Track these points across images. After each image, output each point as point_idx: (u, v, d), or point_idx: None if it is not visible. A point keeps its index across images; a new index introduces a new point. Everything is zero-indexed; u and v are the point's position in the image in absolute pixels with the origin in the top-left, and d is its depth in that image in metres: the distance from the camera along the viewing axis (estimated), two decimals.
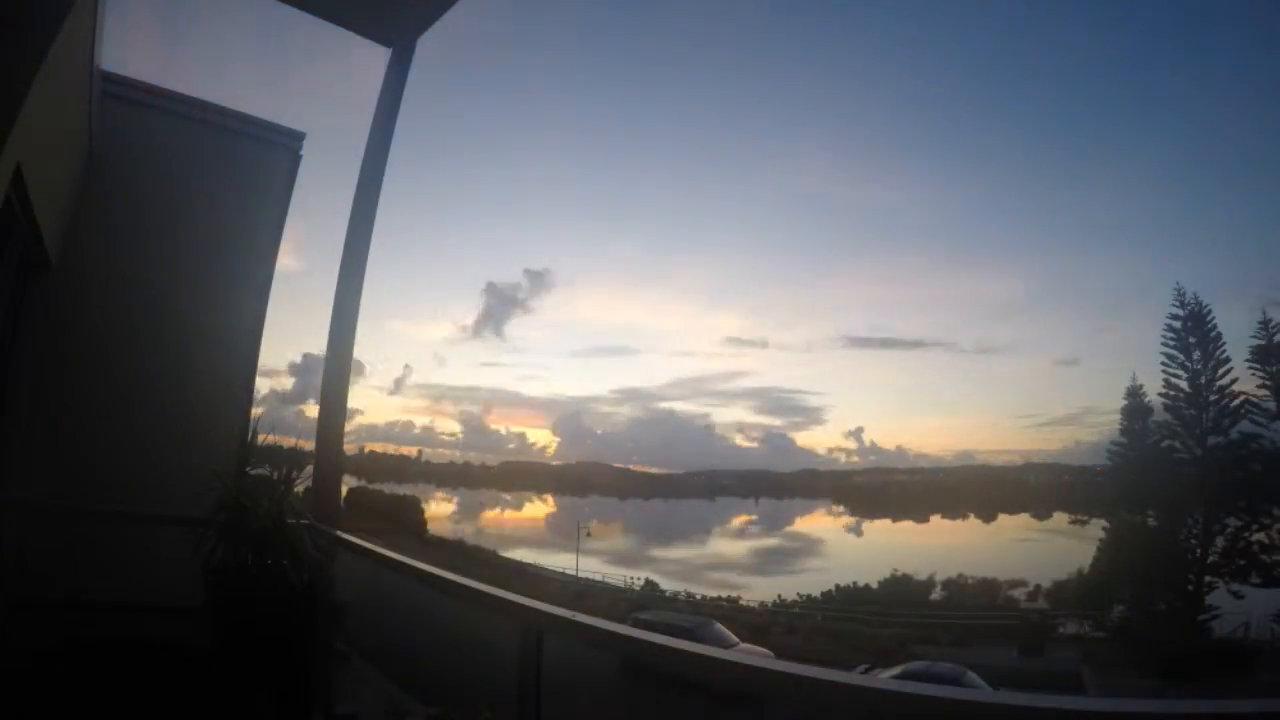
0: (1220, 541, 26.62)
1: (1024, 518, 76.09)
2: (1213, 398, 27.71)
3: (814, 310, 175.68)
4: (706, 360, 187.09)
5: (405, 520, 51.33)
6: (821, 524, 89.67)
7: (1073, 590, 31.76)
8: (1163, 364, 28.71)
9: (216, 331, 5.45)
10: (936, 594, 37.71)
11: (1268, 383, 26.97)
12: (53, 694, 2.52)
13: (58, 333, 4.62)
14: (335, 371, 4.34)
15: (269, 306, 5.75)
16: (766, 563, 56.74)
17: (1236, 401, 27.37)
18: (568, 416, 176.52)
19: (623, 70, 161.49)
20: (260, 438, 3.57)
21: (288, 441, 3.94)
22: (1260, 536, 26.11)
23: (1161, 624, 25.00)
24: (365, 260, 4.45)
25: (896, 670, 17.98)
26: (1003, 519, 78.81)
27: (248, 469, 3.53)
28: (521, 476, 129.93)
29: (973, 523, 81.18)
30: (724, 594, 38.45)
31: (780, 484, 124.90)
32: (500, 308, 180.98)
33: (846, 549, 63.73)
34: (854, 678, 2.02)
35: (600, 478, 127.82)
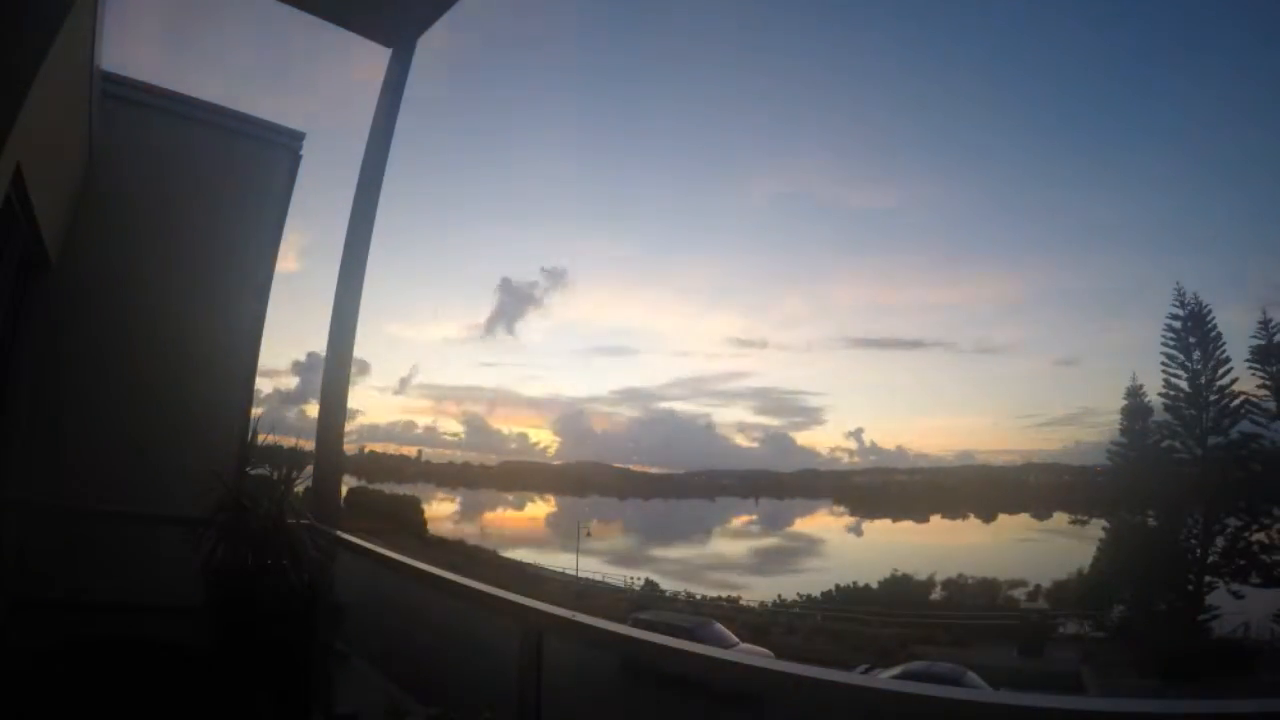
0: (1220, 541, 26.63)
1: (1024, 518, 76.12)
2: (1213, 398, 27.73)
3: (814, 310, 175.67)
4: (707, 360, 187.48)
5: (405, 520, 51.32)
6: (821, 524, 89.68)
7: (1073, 590, 31.77)
8: (1163, 364, 28.77)
9: (216, 331, 5.45)
10: (936, 594, 37.71)
11: (1268, 383, 26.98)
12: (53, 694, 2.52)
13: (58, 333, 4.62)
14: (335, 371, 4.34)
15: (272, 306, 5.75)
16: (766, 563, 56.75)
17: (1236, 401, 27.39)
18: (568, 416, 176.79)
19: (623, 70, 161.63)
20: (260, 438, 3.57)
21: (288, 441, 3.94)
22: (1260, 536, 26.12)
23: (1161, 624, 25.01)
24: (365, 260, 4.45)
25: (896, 670, 17.98)
26: (1003, 519, 78.84)
27: (248, 469, 3.54)
28: (522, 476, 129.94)
29: (973, 523, 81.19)
30: (724, 594, 38.46)
31: (780, 484, 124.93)
32: (514, 305, 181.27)
33: (846, 549, 63.75)
34: (854, 678, 2.02)
35: (600, 478, 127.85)
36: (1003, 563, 42.58)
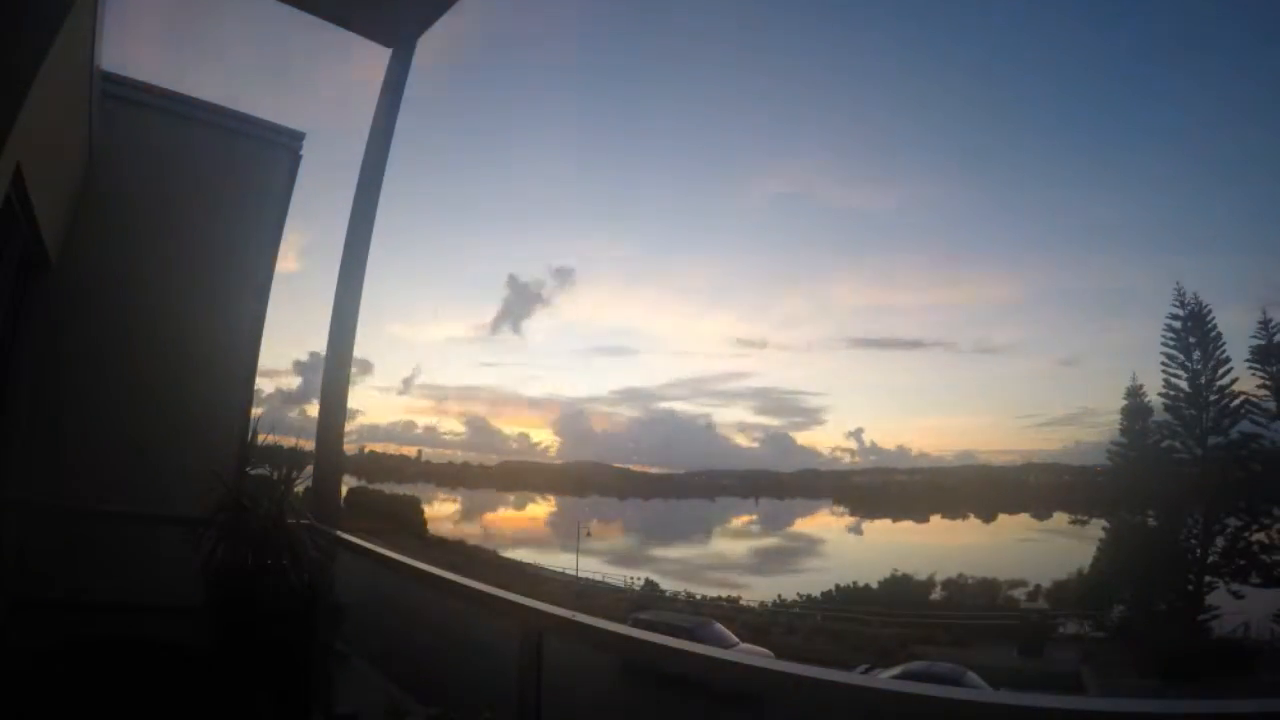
0: (1220, 541, 26.64)
1: (1024, 518, 76.12)
2: (1213, 398, 27.74)
3: (814, 310, 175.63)
4: (707, 360, 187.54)
5: (405, 520, 51.34)
6: (821, 524, 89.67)
7: (1073, 590, 31.77)
8: (1163, 364, 28.79)
9: (216, 331, 5.45)
10: (936, 594, 37.71)
11: (1268, 383, 26.98)
12: (53, 694, 2.52)
13: (58, 333, 4.62)
14: (335, 371, 4.34)
15: (273, 306, 5.76)
16: (766, 563, 56.76)
17: (1236, 401, 27.40)
18: (568, 416, 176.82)
19: (623, 70, 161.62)
20: (260, 438, 3.57)
21: (288, 441, 3.94)
22: (1260, 536, 26.13)
23: (1161, 624, 25.01)
24: (365, 260, 4.45)
25: (896, 670, 17.99)
26: (1003, 519, 78.83)
27: (248, 469, 3.54)
28: (522, 476, 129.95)
29: (973, 523, 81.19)
30: (724, 594, 38.45)
31: (780, 484, 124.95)
32: (519, 304, 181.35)
33: (846, 549, 63.76)
34: (854, 678, 2.02)
35: (600, 478, 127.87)
36: (1003, 563, 42.59)
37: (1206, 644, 23.78)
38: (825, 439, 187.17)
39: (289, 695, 2.77)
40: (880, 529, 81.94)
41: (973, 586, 38.11)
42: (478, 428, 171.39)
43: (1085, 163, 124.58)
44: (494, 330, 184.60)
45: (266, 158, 5.95)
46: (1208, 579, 26.49)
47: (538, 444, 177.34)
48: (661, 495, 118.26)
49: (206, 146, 5.59)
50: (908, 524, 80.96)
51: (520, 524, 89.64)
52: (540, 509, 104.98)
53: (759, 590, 39.56)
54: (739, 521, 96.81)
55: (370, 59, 4.59)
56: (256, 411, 5.40)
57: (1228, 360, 27.99)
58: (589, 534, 50.85)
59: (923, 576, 38.27)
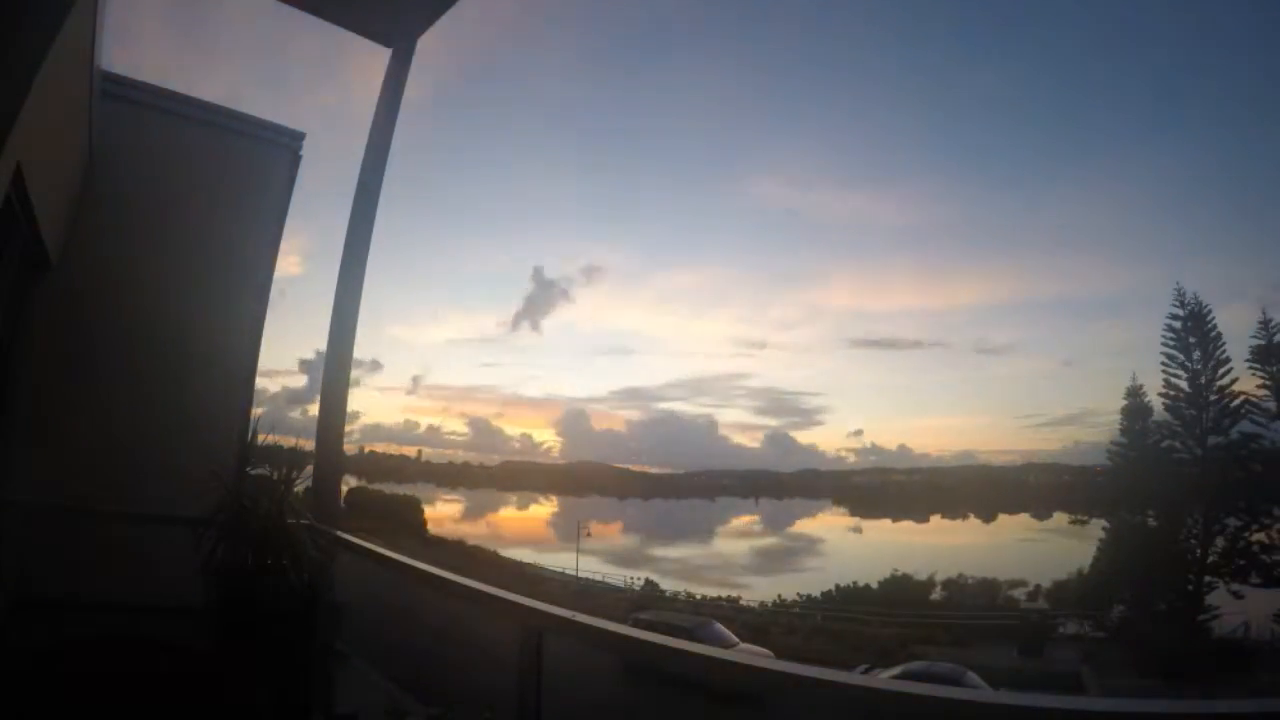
0: (1220, 541, 26.61)
1: (1024, 518, 76.05)
2: (1213, 398, 27.72)
3: (814, 311, 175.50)
4: (706, 361, 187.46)
5: (405, 520, 51.31)
6: (821, 524, 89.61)
7: (1073, 590, 31.72)
8: (1163, 364, 28.75)
9: (216, 331, 5.45)
10: (936, 594, 37.67)
11: (1268, 383, 26.98)
12: (53, 694, 2.52)
13: (58, 333, 4.62)
14: (335, 372, 4.34)
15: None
16: (766, 562, 56.73)
17: (1236, 401, 27.38)
18: (568, 417, 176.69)
19: (624, 70, 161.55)
20: (260, 438, 3.57)
21: (288, 441, 3.94)
22: (1260, 536, 26.10)
23: (1161, 624, 24.99)
24: (365, 260, 4.45)
25: (896, 670, 17.99)
26: (1003, 519, 78.77)
27: (248, 469, 3.54)
28: (522, 476, 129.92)
29: (973, 523, 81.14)
30: (724, 594, 38.45)
31: (780, 484, 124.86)
32: (543, 300, 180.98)
33: (846, 549, 63.69)
34: (854, 678, 2.02)
35: (600, 478, 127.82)
36: (1003, 563, 42.56)
37: (1206, 644, 23.78)
38: (825, 439, 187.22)
39: (289, 695, 2.77)
40: (880, 529, 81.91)
41: (973, 586, 38.09)
42: (480, 428, 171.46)
43: (1085, 162, 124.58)
44: (514, 327, 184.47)
45: (266, 158, 5.95)
46: (1208, 579, 26.47)
47: (540, 444, 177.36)
48: (661, 495, 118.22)
49: (206, 146, 5.60)
50: (907, 524, 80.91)
51: (520, 524, 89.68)
52: (540, 509, 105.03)
53: (759, 590, 39.57)
54: (739, 521, 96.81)
55: (370, 59, 4.59)
56: (257, 411, 5.41)
57: (1228, 360, 27.99)
58: (589, 534, 50.81)
59: (922, 576, 38.24)
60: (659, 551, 59.24)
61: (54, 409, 4.58)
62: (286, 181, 5.97)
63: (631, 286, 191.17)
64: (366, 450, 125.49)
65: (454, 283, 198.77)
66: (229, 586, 2.89)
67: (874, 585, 36.44)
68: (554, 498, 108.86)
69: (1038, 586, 36.24)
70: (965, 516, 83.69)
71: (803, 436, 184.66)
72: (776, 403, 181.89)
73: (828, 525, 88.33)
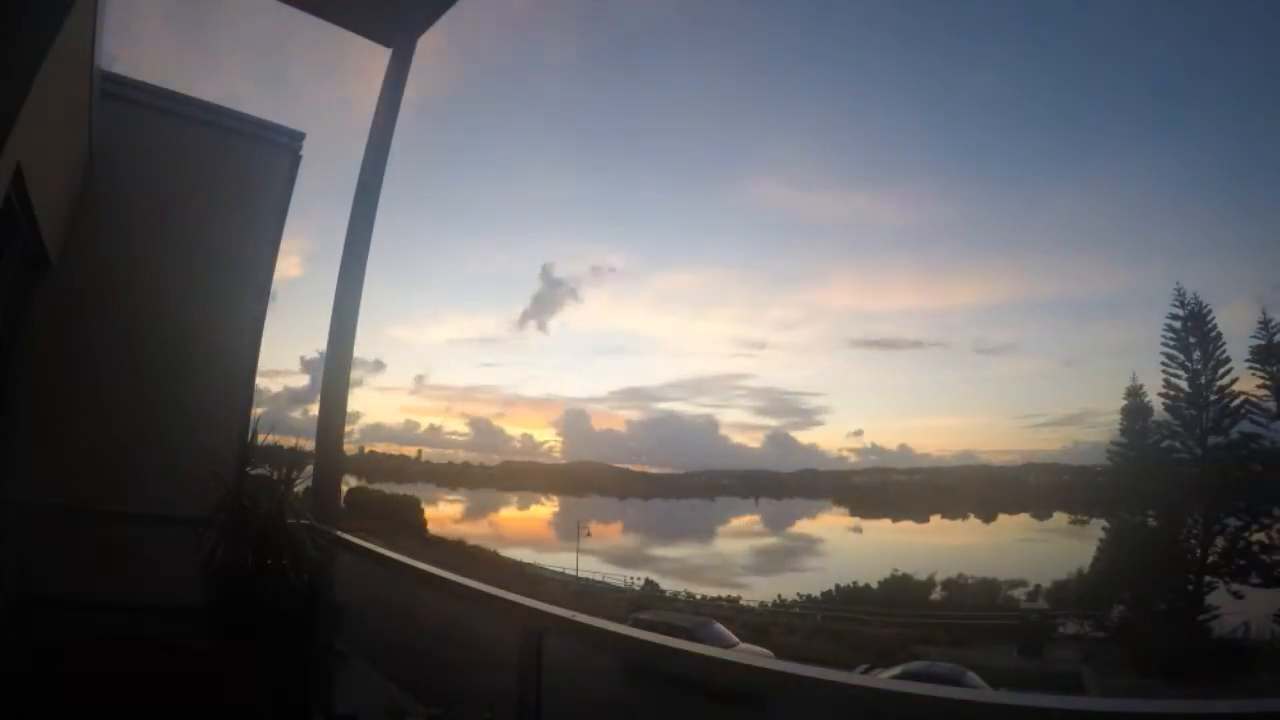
0: (1220, 541, 26.61)
1: (1024, 518, 76.06)
2: (1213, 398, 27.72)
3: (814, 311, 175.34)
4: (707, 361, 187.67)
5: (406, 520, 51.31)
6: (821, 524, 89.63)
7: (1073, 590, 31.73)
8: (1163, 364, 28.76)
9: (216, 331, 5.45)
10: (936, 594, 37.67)
11: (1268, 383, 26.98)
12: (53, 694, 2.52)
13: (58, 333, 4.63)
14: (335, 372, 4.34)
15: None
16: (766, 562, 56.73)
17: (1236, 401, 27.38)
18: (568, 417, 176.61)
19: (624, 70, 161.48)
20: (260, 438, 3.57)
21: (288, 441, 3.94)
22: (1260, 536, 26.10)
23: (1161, 624, 25.00)
24: (365, 260, 4.45)
25: (896, 670, 17.99)
26: (1003, 519, 78.76)
27: (248, 469, 3.54)
28: (522, 476, 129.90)
29: (973, 523, 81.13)
30: (724, 594, 38.46)
31: (780, 484, 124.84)
32: (547, 302, 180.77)
33: (846, 549, 63.68)
34: (854, 678, 2.02)
35: (600, 478, 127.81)
36: (1003, 563, 42.55)
37: (1206, 644, 23.78)
38: (826, 439, 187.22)
39: (289, 695, 2.77)
40: (880, 529, 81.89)
41: (973, 586, 38.09)
42: (481, 428, 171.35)
43: (1085, 162, 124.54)
44: (521, 325, 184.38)
45: (266, 157, 5.95)
46: (1208, 579, 26.48)
47: (541, 444, 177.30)
48: (661, 495, 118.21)
49: (206, 146, 5.60)
50: (907, 524, 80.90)
51: (520, 524, 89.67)
52: (541, 509, 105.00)
53: (759, 590, 39.57)
54: (739, 521, 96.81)
55: (370, 59, 4.59)
56: (257, 411, 5.41)
57: (1228, 360, 27.99)
58: (589, 534, 50.82)
59: (923, 576, 38.25)
60: (659, 551, 59.25)
61: (54, 409, 4.58)
62: (286, 181, 5.97)
63: (632, 286, 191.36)
64: (366, 450, 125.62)
65: (454, 283, 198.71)
66: (229, 586, 2.89)
67: (874, 585, 36.44)
68: (554, 498, 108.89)
69: (1038, 586, 36.25)
70: (965, 516, 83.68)
71: (803, 436, 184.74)
72: (776, 403, 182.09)
73: (828, 525, 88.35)
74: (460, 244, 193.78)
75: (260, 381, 5.75)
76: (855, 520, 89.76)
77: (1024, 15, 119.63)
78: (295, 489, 3.40)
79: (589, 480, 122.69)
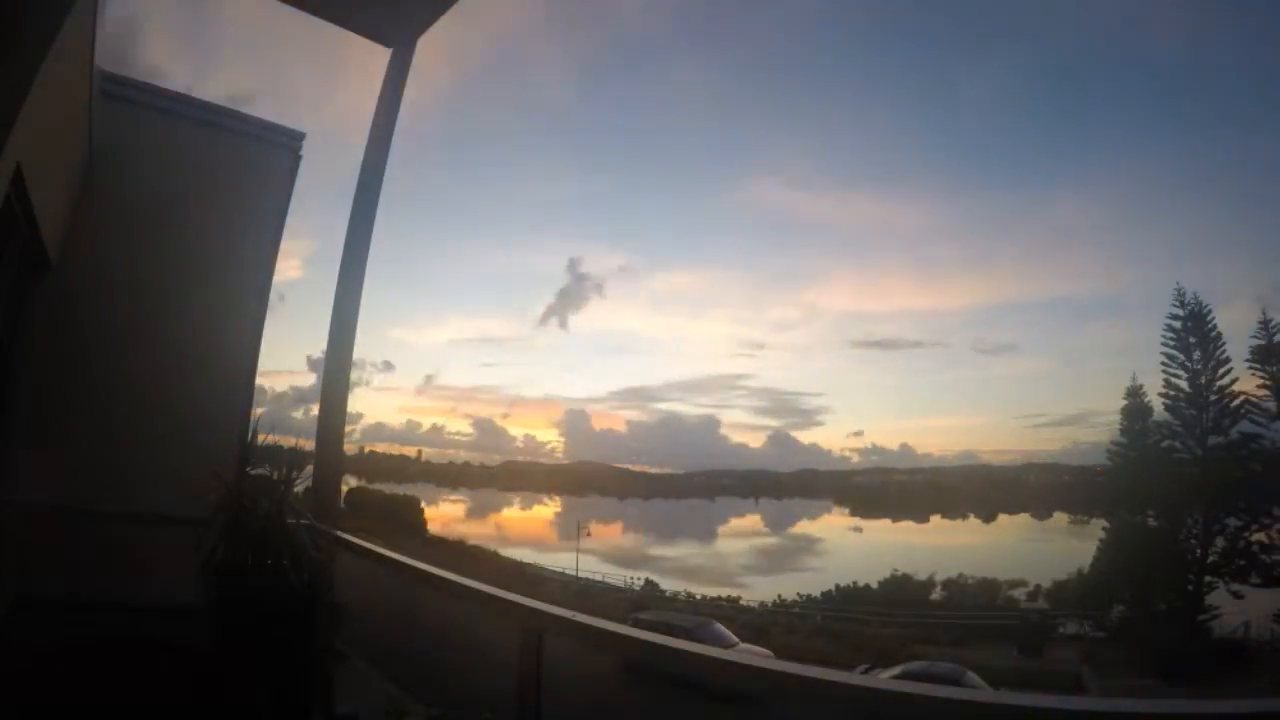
0: (1220, 541, 26.63)
1: (1024, 518, 76.10)
2: (1213, 398, 27.72)
3: (814, 311, 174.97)
4: (707, 361, 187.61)
5: (406, 520, 51.34)
6: (822, 524, 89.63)
7: (1073, 590, 31.74)
8: (1163, 364, 28.76)
9: (216, 331, 5.45)
10: (936, 594, 37.68)
11: (1268, 383, 26.99)
12: (53, 694, 2.52)
13: (58, 333, 4.63)
14: (335, 372, 4.34)
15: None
16: (766, 562, 56.72)
17: (1236, 401, 27.39)
18: (569, 417, 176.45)
19: (624, 70, 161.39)
20: (260, 438, 3.58)
21: (288, 441, 3.94)
22: (1260, 536, 26.11)
23: (1161, 624, 25.01)
24: (365, 260, 4.44)
25: (896, 670, 17.99)
26: (1003, 519, 78.77)
27: (248, 469, 3.54)
28: (523, 476, 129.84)
29: (973, 523, 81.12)
30: (724, 594, 38.47)
31: (780, 484, 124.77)
32: (576, 295, 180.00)
33: (846, 549, 63.66)
34: (854, 678, 2.02)
35: (600, 478, 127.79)
36: (1003, 563, 42.55)
37: (1206, 644, 23.78)
38: (826, 439, 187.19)
39: (289, 695, 2.77)
40: (880, 529, 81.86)
41: (973, 586, 38.10)
42: (483, 428, 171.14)
43: (1085, 162, 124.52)
44: (543, 322, 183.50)
45: (266, 157, 5.96)
46: (1208, 579, 26.49)
47: (542, 444, 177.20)
48: (661, 495, 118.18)
49: (206, 146, 5.60)
50: (908, 524, 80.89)
51: (520, 524, 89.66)
52: (541, 509, 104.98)
53: (759, 590, 39.57)
54: (739, 521, 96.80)
55: (370, 59, 4.59)
56: (257, 411, 5.41)
57: (1228, 360, 28.00)
58: (589, 534, 50.84)
59: (923, 576, 38.26)
60: (659, 551, 59.28)
61: (54, 409, 4.58)
62: (287, 182, 5.98)
63: (632, 288, 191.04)
64: (367, 450, 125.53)
65: (454, 283, 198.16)
66: (229, 586, 2.89)
67: (874, 585, 36.45)
68: (555, 498, 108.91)
69: (1038, 586, 36.24)
70: (965, 517, 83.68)
71: (803, 436, 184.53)
72: (777, 403, 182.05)
73: (828, 525, 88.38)
74: (460, 244, 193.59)
75: (264, 381, 5.76)
76: (855, 520, 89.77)
77: (1024, 15, 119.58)
78: (295, 489, 3.40)
79: (589, 480, 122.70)
